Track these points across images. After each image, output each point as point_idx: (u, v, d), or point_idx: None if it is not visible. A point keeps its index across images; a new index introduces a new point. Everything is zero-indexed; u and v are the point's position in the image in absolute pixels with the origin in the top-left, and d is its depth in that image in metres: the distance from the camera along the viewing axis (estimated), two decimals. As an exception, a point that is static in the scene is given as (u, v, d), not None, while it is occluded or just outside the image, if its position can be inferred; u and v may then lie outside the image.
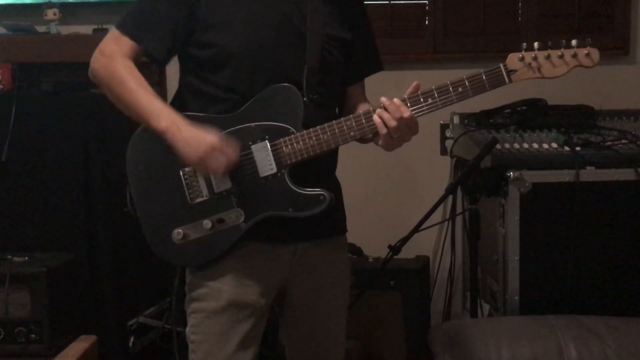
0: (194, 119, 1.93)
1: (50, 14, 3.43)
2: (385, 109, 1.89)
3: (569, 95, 3.38)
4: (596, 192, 2.73)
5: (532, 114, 3.14)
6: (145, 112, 1.90)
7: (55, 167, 3.18)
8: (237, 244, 1.95)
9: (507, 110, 3.20)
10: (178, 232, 1.95)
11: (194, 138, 1.86)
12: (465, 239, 3.35)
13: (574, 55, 1.90)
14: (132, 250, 3.20)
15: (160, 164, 1.95)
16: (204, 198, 1.94)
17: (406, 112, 1.89)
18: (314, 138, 1.92)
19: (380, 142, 1.95)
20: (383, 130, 1.90)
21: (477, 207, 2.76)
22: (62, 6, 3.47)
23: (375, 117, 1.91)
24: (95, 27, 3.45)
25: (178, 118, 1.89)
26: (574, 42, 1.90)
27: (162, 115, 1.89)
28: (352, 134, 1.93)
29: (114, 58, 1.93)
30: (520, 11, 3.75)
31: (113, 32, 1.98)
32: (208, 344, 2.01)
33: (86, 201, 3.19)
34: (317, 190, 1.93)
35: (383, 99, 1.91)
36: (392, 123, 1.89)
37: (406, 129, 1.90)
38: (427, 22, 3.76)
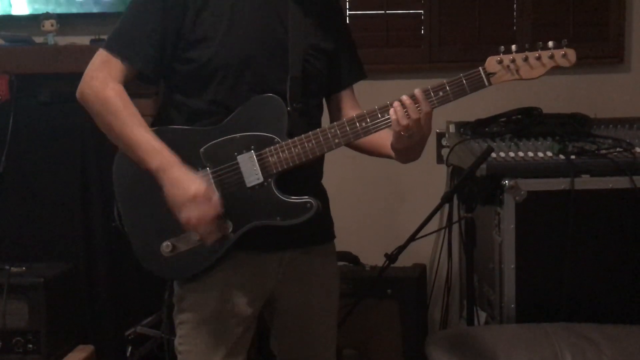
0: (179, 132, 1.95)
1: (48, 25, 3.43)
2: (416, 101, 1.87)
3: (564, 104, 3.40)
4: (591, 200, 2.74)
5: (527, 123, 3.15)
6: (137, 147, 1.90)
7: (52, 177, 3.18)
8: (225, 254, 1.96)
9: (503, 119, 3.21)
10: (167, 245, 1.95)
11: (180, 182, 1.86)
12: (461, 248, 3.36)
13: (551, 57, 1.90)
14: (130, 260, 3.19)
15: (147, 177, 1.93)
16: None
17: (427, 107, 1.87)
18: (299, 147, 1.93)
19: (392, 145, 1.95)
20: (396, 127, 1.88)
21: (473, 215, 2.77)
22: (60, 17, 3.48)
23: (392, 112, 1.88)
24: (93, 37, 3.46)
25: (170, 158, 1.88)
26: (550, 43, 1.91)
27: (155, 154, 1.88)
28: (336, 141, 1.94)
29: (106, 84, 1.92)
30: (515, 20, 3.77)
31: (101, 54, 1.96)
32: (196, 354, 2.02)
33: (83, 211, 3.19)
34: (303, 198, 1.93)
35: (417, 90, 1.89)
36: (416, 115, 1.87)
37: (417, 128, 1.88)
38: (422, 32, 3.78)
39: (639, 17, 3.75)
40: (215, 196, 1.88)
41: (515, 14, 3.76)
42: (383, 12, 3.76)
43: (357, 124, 1.93)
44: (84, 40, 3.46)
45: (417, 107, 1.87)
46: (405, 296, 3.22)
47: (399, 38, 3.78)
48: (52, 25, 3.43)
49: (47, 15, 3.46)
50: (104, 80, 1.92)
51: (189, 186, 1.85)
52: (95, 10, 3.58)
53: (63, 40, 3.49)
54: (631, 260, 2.77)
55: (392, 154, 2.01)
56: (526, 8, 3.75)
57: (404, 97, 1.88)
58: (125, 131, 1.90)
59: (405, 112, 1.87)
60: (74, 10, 3.58)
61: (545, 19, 3.75)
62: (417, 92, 1.89)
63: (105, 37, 3.37)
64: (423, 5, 3.75)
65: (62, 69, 3.23)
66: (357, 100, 2.19)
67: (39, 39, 3.48)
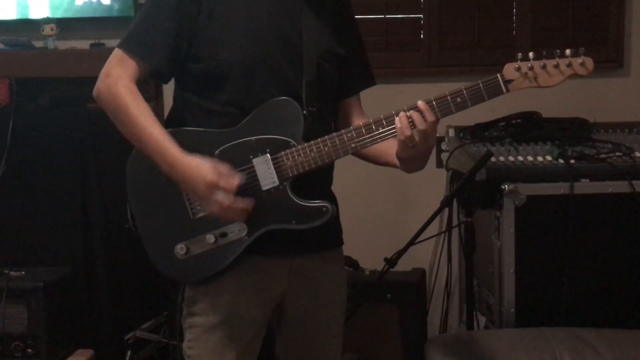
0: (193, 134, 1.94)
1: (48, 29, 3.44)
2: (420, 112, 1.87)
3: (564, 108, 3.40)
4: (590, 204, 2.73)
5: (526, 127, 3.15)
6: (146, 145, 1.90)
7: (52, 181, 3.19)
8: (237, 258, 1.96)
9: (502, 123, 3.21)
10: (181, 247, 1.95)
11: (192, 176, 1.86)
12: (461, 252, 3.36)
13: (569, 65, 1.90)
14: (129, 264, 3.21)
15: (161, 179, 1.94)
16: (206, 212, 1.95)
17: (431, 117, 1.88)
18: (315, 150, 1.92)
19: (397, 154, 1.94)
20: (401, 136, 1.87)
21: (472, 219, 2.77)
22: (60, 21, 3.49)
23: (397, 121, 1.88)
24: (93, 42, 3.46)
25: (176, 155, 1.87)
26: (568, 51, 1.91)
27: (163, 154, 1.88)
28: (352, 145, 1.93)
29: (119, 81, 1.92)
30: (514, 25, 3.77)
31: (117, 53, 1.97)
32: (206, 358, 2.01)
33: (83, 215, 3.19)
34: (319, 202, 1.94)
35: (420, 102, 1.88)
36: (422, 126, 1.87)
37: (423, 137, 1.88)
38: (422, 36, 3.78)
39: (638, 22, 3.75)
40: (228, 169, 1.86)
41: (514, 18, 3.77)
42: (382, 16, 3.76)
43: (375, 129, 1.92)
44: (84, 44, 3.47)
45: (422, 117, 1.87)
46: (404, 300, 3.22)
47: (399, 42, 3.78)
48: (52, 30, 3.44)
49: (47, 20, 3.47)
50: (117, 77, 1.93)
51: (201, 178, 1.84)
52: (95, 14, 3.58)
53: (63, 45, 3.49)
54: (631, 265, 2.77)
55: (397, 163, 2.00)
56: (526, 13, 3.75)
57: (409, 109, 1.89)
58: (134, 128, 1.91)
59: (410, 122, 1.88)
60: (73, 14, 3.58)
61: (545, 24, 3.75)
62: (420, 104, 1.89)
63: (105, 41, 3.42)
64: (422, 10, 3.75)
65: (61, 73, 3.23)
66: (362, 108, 2.19)
67: (38, 43, 3.48)
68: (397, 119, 1.89)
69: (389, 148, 2.00)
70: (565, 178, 2.73)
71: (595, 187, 2.75)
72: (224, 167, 1.87)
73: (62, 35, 3.50)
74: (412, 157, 1.94)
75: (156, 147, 1.89)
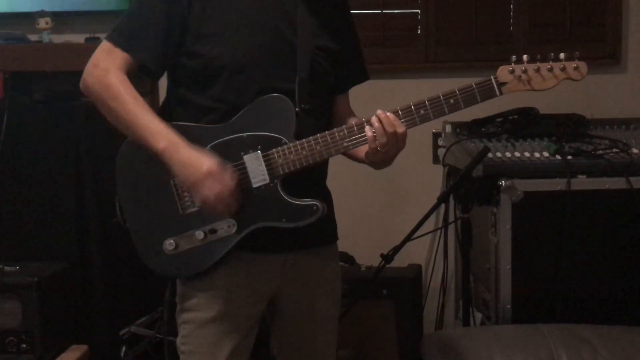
0: (184, 129, 1.93)
1: (43, 22, 3.42)
2: (380, 122, 1.89)
3: (561, 104, 3.39)
4: (587, 200, 2.74)
5: (523, 123, 3.15)
6: (142, 130, 1.88)
7: (46, 176, 3.18)
8: (229, 254, 1.95)
9: (499, 119, 3.21)
10: (170, 243, 1.94)
11: (191, 161, 1.85)
12: (457, 248, 3.36)
13: (563, 69, 1.92)
14: (124, 260, 3.20)
15: (151, 174, 1.94)
16: (196, 208, 1.93)
17: (400, 128, 1.89)
18: (306, 148, 1.92)
19: (368, 157, 1.95)
20: (372, 144, 1.90)
21: (469, 215, 2.77)
22: (55, 15, 3.47)
23: (368, 130, 1.90)
24: (88, 36, 3.44)
25: (177, 139, 1.87)
26: (562, 55, 1.92)
27: (161, 135, 1.87)
28: (344, 144, 1.93)
29: (109, 72, 1.91)
30: (511, 20, 3.76)
31: (105, 44, 1.95)
32: (199, 354, 2.01)
33: (78, 211, 3.18)
34: (310, 201, 1.92)
35: (379, 112, 1.90)
36: (383, 139, 1.88)
37: (394, 144, 1.90)
38: (419, 32, 3.77)
39: (636, 18, 3.75)
40: (229, 167, 1.86)
41: (512, 14, 3.76)
42: (379, 11, 3.75)
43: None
44: (79, 38, 3.45)
45: (392, 126, 1.88)
46: (400, 297, 3.21)
47: (395, 38, 3.77)
48: (47, 23, 3.42)
49: (42, 13, 3.45)
50: (106, 68, 1.92)
51: (200, 164, 1.84)
52: (90, 8, 3.56)
53: (58, 39, 3.48)
54: (627, 261, 2.77)
55: (366, 161, 2.01)
56: (523, 8, 3.74)
57: (382, 115, 1.89)
58: (130, 115, 1.89)
59: (383, 129, 1.88)
60: (69, 8, 3.56)
61: (542, 20, 3.74)
62: (382, 114, 1.88)
63: (100, 35, 3.40)
64: (419, 5, 3.74)
65: (56, 67, 3.22)
66: (350, 107, 2.19)
67: (33, 37, 3.46)
68: (367, 128, 1.89)
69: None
70: (562, 174, 2.73)
71: (592, 184, 2.75)
72: (228, 165, 1.86)
73: (57, 29, 3.47)
74: (381, 161, 1.95)
75: (154, 132, 1.87)
